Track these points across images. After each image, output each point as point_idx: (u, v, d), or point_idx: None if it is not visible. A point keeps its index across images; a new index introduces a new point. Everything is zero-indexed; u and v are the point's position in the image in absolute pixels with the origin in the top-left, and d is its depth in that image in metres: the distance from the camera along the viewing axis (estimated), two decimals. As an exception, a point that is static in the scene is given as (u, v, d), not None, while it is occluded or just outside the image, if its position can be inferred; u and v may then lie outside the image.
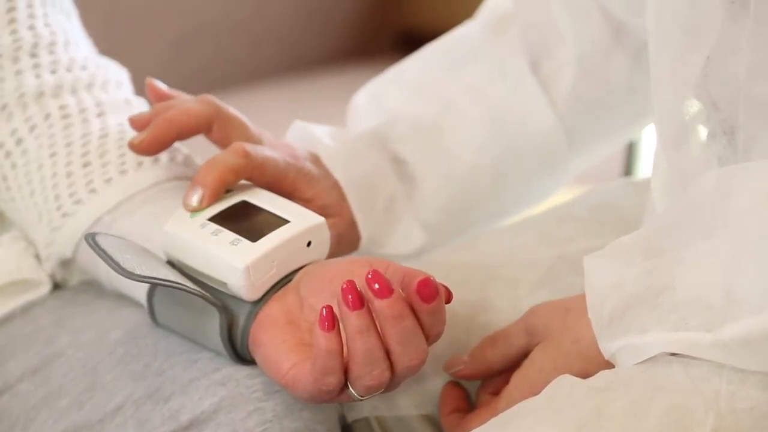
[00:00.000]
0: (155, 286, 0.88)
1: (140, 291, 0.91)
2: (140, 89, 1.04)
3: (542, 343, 0.85)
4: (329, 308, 0.76)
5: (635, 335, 0.79)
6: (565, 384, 0.80)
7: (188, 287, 0.83)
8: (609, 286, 0.81)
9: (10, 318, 0.97)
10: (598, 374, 0.80)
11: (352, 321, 0.76)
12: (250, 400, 0.84)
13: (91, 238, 0.84)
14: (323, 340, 0.77)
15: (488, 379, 0.90)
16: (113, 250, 0.83)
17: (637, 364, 0.79)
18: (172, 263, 0.87)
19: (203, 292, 0.84)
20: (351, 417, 0.95)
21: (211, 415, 0.84)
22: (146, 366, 0.88)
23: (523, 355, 0.87)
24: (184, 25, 3.99)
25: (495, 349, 0.88)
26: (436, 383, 0.94)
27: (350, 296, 0.76)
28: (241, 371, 0.85)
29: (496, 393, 0.89)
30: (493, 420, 0.80)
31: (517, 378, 0.86)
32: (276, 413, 0.84)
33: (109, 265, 0.82)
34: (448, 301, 0.80)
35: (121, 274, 0.81)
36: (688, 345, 0.77)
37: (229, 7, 4.11)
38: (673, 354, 0.79)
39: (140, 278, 0.81)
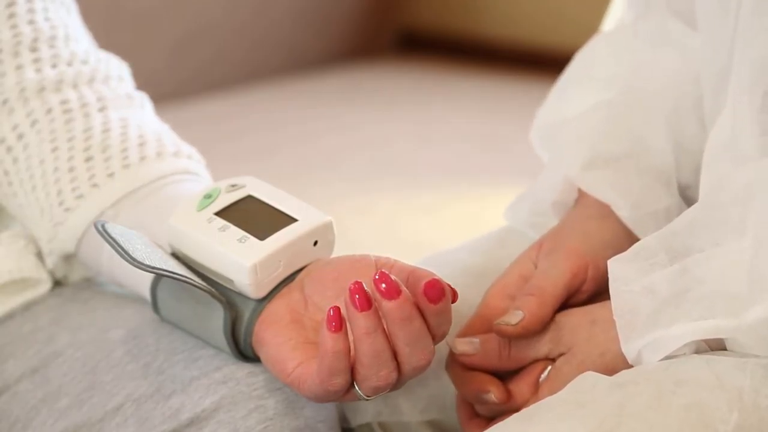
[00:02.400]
0: (159, 278, 0.87)
1: (143, 284, 0.90)
2: (141, 88, 1.04)
3: (568, 355, 0.84)
4: (336, 309, 0.76)
5: (663, 330, 0.79)
6: (588, 380, 0.79)
7: (195, 281, 0.83)
8: (640, 291, 0.81)
9: (9, 317, 0.97)
10: (622, 371, 0.80)
11: (359, 322, 0.76)
12: (251, 398, 0.84)
13: (100, 226, 0.84)
14: (330, 341, 0.76)
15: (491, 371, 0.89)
16: (122, 239, 0.83)
17: (660, 360, 0.79)
18: (176, 256, 0.87)
19: (209, 287, 0.83)
20: (354, 422, 0.94)
21: (212, 414, 0.83)
22: (146, 365, 0.88)
23: (541, 361, 0.86)
24: (185, 26, 4.00)
25: (513, 350, 0.87)
26: (440, 387, 0.94)
27: (357, 297, 0.75)
28: (242, 369, 0.85)
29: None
30: (516, 415, 0.80)
31: (545, 390, 0.85)
32: (277, 411, 0.83)
33: (119, 253, 0.81)
34: (454, 300, 0.79)
35: (130, 263, 0.81)
36: (713, 330, 0.78)
37: (230, 8, 4.12)
38: (697, 352, 0.79)
39: (148, 268, 0.81)
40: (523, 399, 0.86)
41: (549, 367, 0.86)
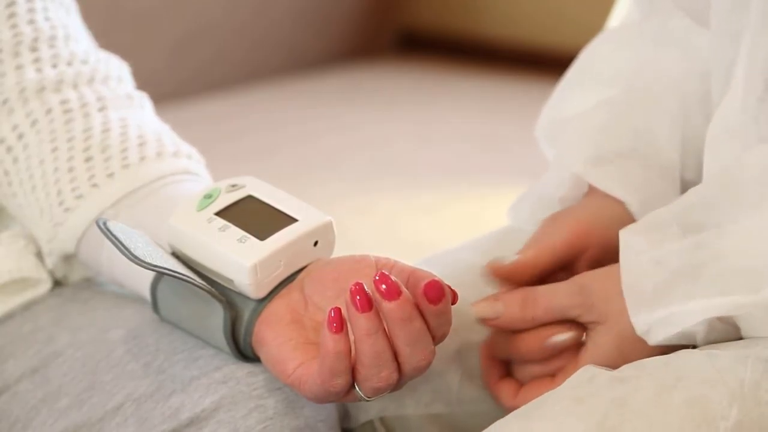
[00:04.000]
0: (159, 278, 0.88)
1: (143, 284, 0.90)
2: (141, 88, 1.04)
3: (605, 326, 0.84)
4: (337, 310, 0.76)
5: (678, 305, 0.79)
6: (587, 374, 0.79)
7: (195, 280, 0.83)
8: (649, 262, 0.81)
9: (9, 316, 0.97)
10: (622, 366, 0.80)
11: (360, 323, 0.76)
12: (251, 397, 0.83)
13: (102, 223, 0.84)
14: (331, 341, 0.76)
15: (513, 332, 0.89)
16: (124, 237, 0.83)
17: (660, 356, 0.79)
18: (176, 256, 0.87)
19: (209, 287, 0.83)
20: (359, 418, 0.94)
21: (212, 413, 0.83)
22: (146, 365, 0.88)
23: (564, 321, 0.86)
24: (185, 26, 4.00)
25: (538, 313, 0.86)
26: (444, 383, 0.94)
27: (358, 298, 0.75)
28: (242, 369, 0.85)
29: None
30: (516, 411, 0.80)
31: (585, 359, 0.84)
32: (277, 411, 0.83)
33: (120, 250, 0.81)
34: (454, 302, 0.79)
35: (132, 260, 0.81)
36: (731, 307, 0.78)
37: (230, 8, 4.12)
38: (710, 328, 0.79)
39: (149, 266, 0.81)
40: (551, 369, 0.87)
41: (562, 335, 0.85)
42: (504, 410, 0.87)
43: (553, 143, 1.02)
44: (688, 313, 0.79)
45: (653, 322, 0.80)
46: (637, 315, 0.81)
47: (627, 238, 0.83)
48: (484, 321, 0.86)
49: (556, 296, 0.85)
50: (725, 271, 0.78)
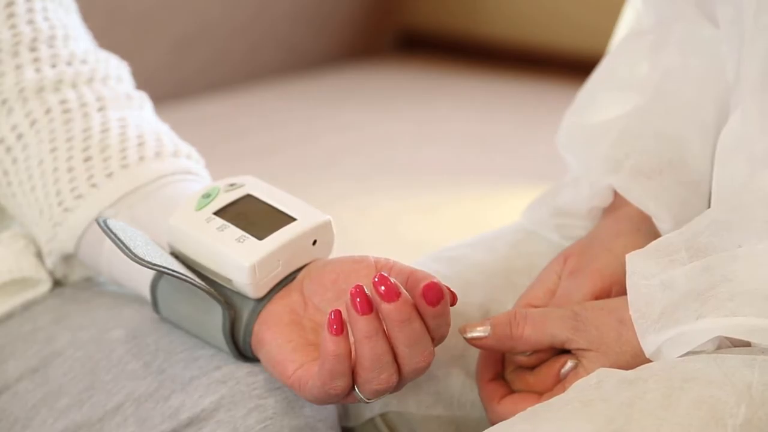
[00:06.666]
0: (159, 277, 0.88)
1: (143, 283, 0.90)
2: (141, 88, 1.04)
3: (597, 354, 0.84)
4: (337, 312, 0.76)
5: (688, 324, 0.79)
6: (595, 378, 0.79)
7: (195, 281, 0.83)
8: (657, 285, 0.81)
9: (9, 316, 0.97)
10: (629, 371, 0.80)
11: (360, 326, 0.76)
12: (251, 397, 0.84)
13: (102, 222, 0.84)
14: (331, 344, 0.76)
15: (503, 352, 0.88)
16: (124, 235, 0.83)
17: (681, 356, 0.79)
18: (176, 256, 0.87)
19: (209, 287, 0.83)
20: (361, 415, 0.94)
21: (212, 413, 0.83)
22: (146, 365, 0.88)
23: (564, 354, 0.86)
24: (185, 26, 4.00)
25: (527, 331, 0.85)
26: (447, 384, 0.94)
27: (358, 300, 0.75)
28: (242, 369, 0.85)
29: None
30: (522, 413, 0.79)
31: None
32: (276, 411, 0.83)
33: (120, 249, 0.81)
34: (453, 303, 0.79)
35: (132, 259, 0.81)
36: (747, 329, 0.77)
37: (230, 8, 4.12)
38: (719, 347, 0.79)
39: (149, 264, 0.81)
40: (544, 387, 0.86)
41: (569, 362, 0.85)
42: (485, 411, 0.87)
43: (575, 149, 1.01)
44: (698, 332, 0.79)
45: (662, 343, 0.80)
46: (644, 337, 0.81)
47: (634, 263, 0.83)
48: (473, 341, 0.86)
49: (548, 318, 0.85)
50: (736, 292, 0.78)
